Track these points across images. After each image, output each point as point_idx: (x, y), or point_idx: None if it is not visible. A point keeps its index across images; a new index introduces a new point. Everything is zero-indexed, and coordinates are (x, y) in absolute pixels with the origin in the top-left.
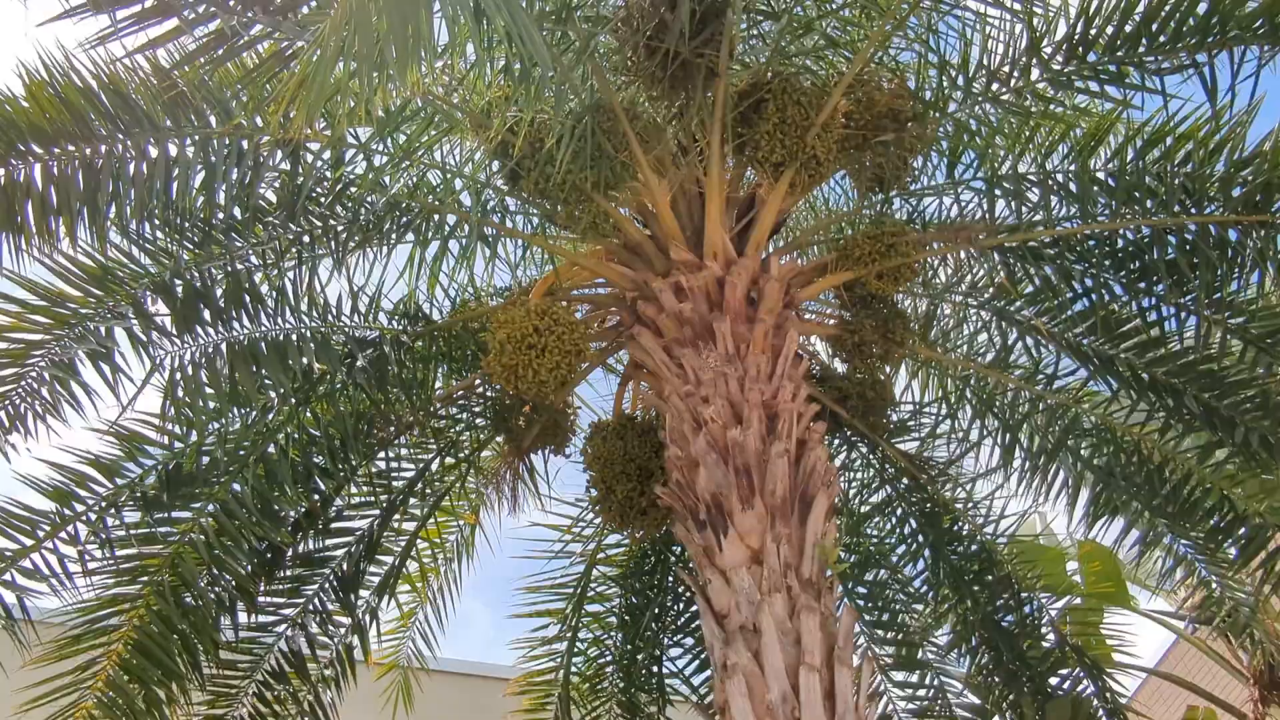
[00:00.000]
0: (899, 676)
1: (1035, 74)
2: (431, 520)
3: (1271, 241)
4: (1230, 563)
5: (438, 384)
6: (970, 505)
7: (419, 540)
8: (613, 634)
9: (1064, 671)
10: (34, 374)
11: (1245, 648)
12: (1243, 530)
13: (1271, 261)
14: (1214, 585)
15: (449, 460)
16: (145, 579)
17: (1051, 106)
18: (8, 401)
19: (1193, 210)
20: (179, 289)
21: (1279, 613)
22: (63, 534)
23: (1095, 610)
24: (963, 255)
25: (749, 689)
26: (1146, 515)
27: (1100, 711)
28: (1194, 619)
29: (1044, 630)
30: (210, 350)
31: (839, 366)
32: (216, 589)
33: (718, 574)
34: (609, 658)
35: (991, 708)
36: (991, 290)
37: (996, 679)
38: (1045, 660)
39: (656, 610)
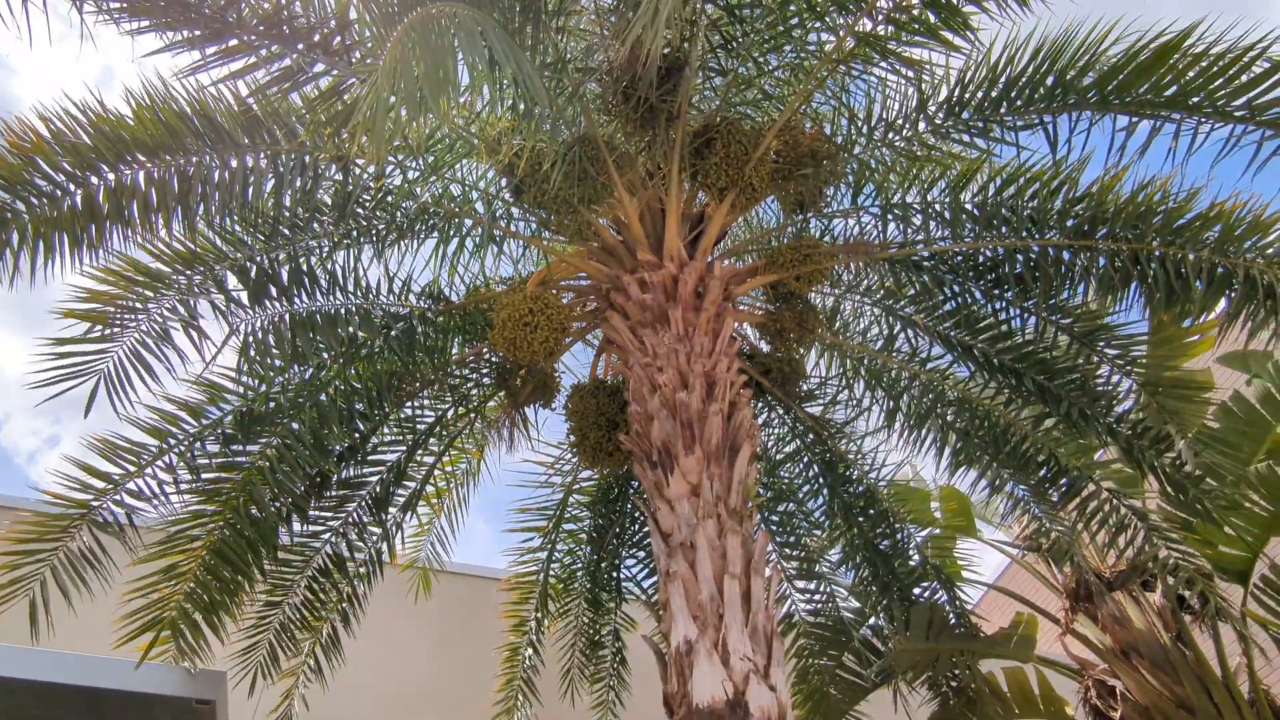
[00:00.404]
0: (800, 584)
1: (922, 126)
2: (446, 455)
3: (1094, 261)
4: (1054, 504)
5: (454, 351)
6: (860, 456)
7: (436, 470)
8: (583, 547)
9: (924, 584)
10: (138, 336)
11: (1062, 570)
12: (1064, 480)
13: (1094, 276)
14: (1041, 521)
15: (461, 410)
16: (222, 498)
17: (933, 152)
18: (119, 356)
19: (1036, 235)
20: (252, 271)
21: (1088, 542)
22: (159, 463)
23: (950, 539)
24: (861, 265)
25: (685, 591)
26: (993, 467)
27: (950, 614)
28: (1025, 546)
29: (911, 553)
30: (276, 320)
31: (764, 347)
32: (277, 505)
33: (665, 503)
34: (579, 565)
35: (869, 610)
36: (882, 292)
37: (874, 589)
38: (911, 575)
39: (617, 530)
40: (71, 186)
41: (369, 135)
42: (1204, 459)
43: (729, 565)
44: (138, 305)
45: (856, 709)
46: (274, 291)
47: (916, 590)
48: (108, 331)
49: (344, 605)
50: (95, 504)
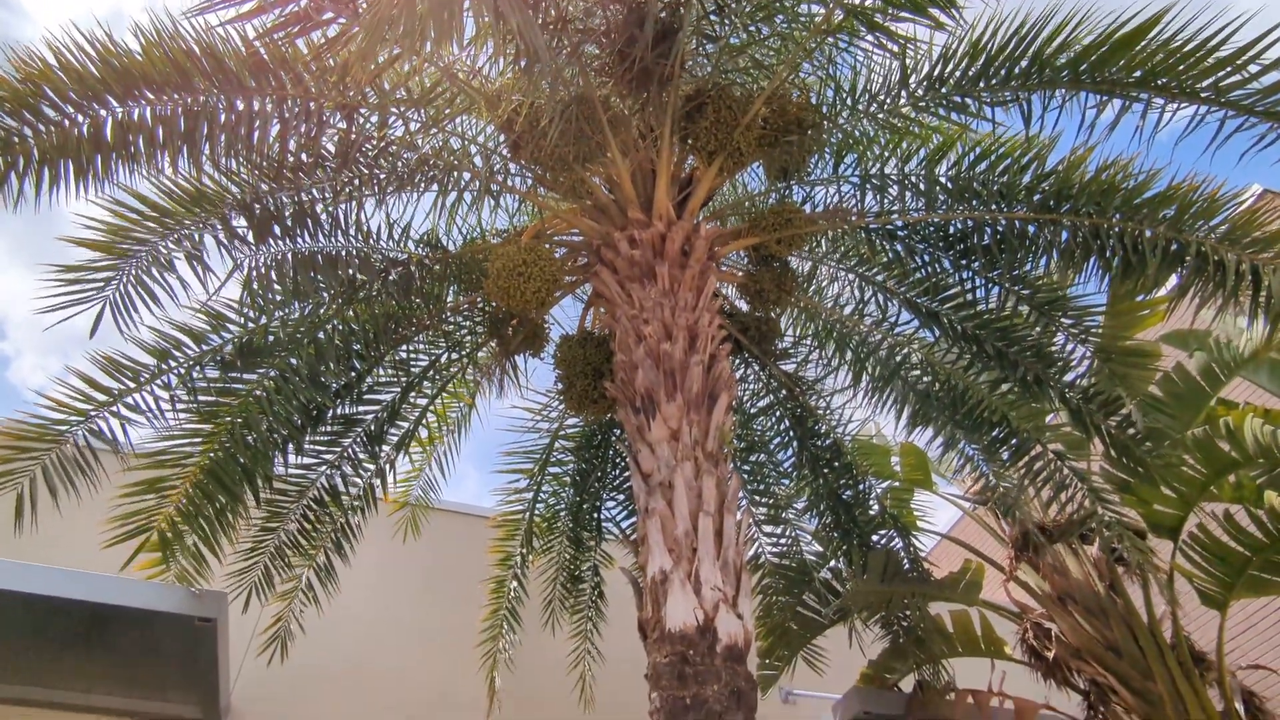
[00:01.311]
0: (768, 529)
1: (903, 99)
2: (439, 399)
3: (1058, 235)
4: (1003, 463)
5: (449, 298)
6: (828, 412)
7: (429, 413)
8: (566, 489)
9: (882, 532)
10: (143, 266)
11: (1008, 521)
12: (1014, 441)
13: (1056, 249)
14: (991, 478)
15: (454, 355)
16: (218, 422)
17: (912, 125)
18: (123, 284)
19: (1005, 209)
20: (257, 210)
21: (1033, 498)
22: (159, 381)
23: (908, 491)
24: (839, 231)
25: (662, 526)
26: (949, 427)
27: (904, 560)
28: (975, 500)
29: (871, 503)
30: (279, 257)
31: (744, 306)
32: (274, 435)
33: (646, 446)
34: (563, 506)
35: (830, 554)
36: (857, 259)
37: (835, 534)
38: (870, 523)
39: (599, 474)
40: (79, 116)
41: (370, 84)
42: (1149, 422)
43: (704, 504)
44: (144, 237)
45: (814, 643)
46: (278, 231)
47: (875, 537)
48: (114, 261)
49: (338, 535)
50: (94, 414)
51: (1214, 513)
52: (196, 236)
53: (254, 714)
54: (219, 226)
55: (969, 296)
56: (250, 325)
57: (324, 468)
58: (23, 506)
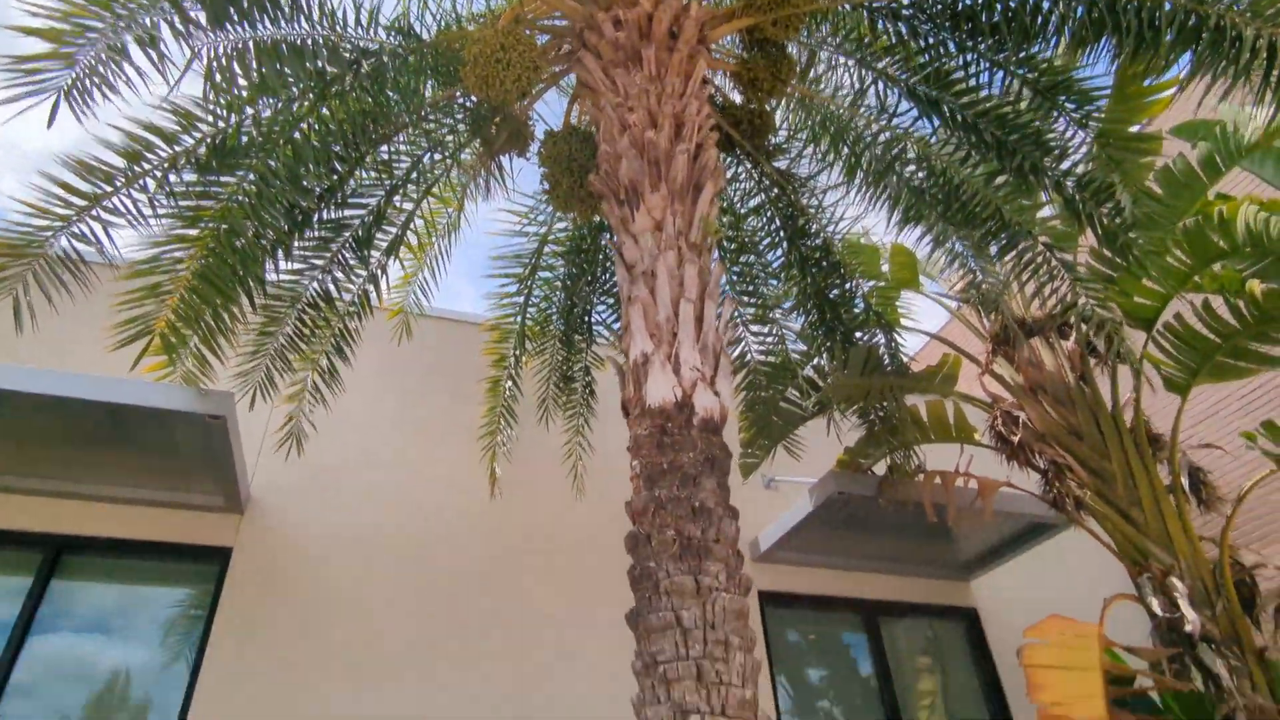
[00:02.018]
0: (755, 329)
1: None
2: (425, 202)
3: (1071, 10)
4: (991, 258)
5: (427, 94)
6: (819, 210)
7: (417, 218)
8: (557, 293)
9: (866, 330)
10: (96, 53)
11: (989, 319)
12: (1004, 234)
13: (1069, 26)
14: (977, 273)
15: (437, 157)
16: (202, 226)
17: None
18: (74, 74)
19: None
20: None
21: (1016, 293)
22: (135, 185)
23: (894, 290)
24: (840, 9)
25: (644, 313)
26: (940, 224)
27: (885, 355)
28: (959, 298)
29: (857, 302)
30: (240, 45)
31: (737, 99)
32: (261, 240)
33: (630, 237)
34: (554, 310)
35: (813, 351)
36: (856, 43)
37: (820, 332)
38: (855, 321)
39: (589, 278)
40: None
41: None
42: (1141, 208)
43: (685, 291)
44: (95, 25)
45: (795, 434)
46: (234, 14)
47: (858, 334)
48: (65, 50)
49: (337, 340)
50: (75, 219)
51: (1193, 303)
52: (148, 20)
53: (272, 502)
54: (171, 10)
55: (971, 82)
56: (221, 125)
57: (316, 273)
58: (20, 311)
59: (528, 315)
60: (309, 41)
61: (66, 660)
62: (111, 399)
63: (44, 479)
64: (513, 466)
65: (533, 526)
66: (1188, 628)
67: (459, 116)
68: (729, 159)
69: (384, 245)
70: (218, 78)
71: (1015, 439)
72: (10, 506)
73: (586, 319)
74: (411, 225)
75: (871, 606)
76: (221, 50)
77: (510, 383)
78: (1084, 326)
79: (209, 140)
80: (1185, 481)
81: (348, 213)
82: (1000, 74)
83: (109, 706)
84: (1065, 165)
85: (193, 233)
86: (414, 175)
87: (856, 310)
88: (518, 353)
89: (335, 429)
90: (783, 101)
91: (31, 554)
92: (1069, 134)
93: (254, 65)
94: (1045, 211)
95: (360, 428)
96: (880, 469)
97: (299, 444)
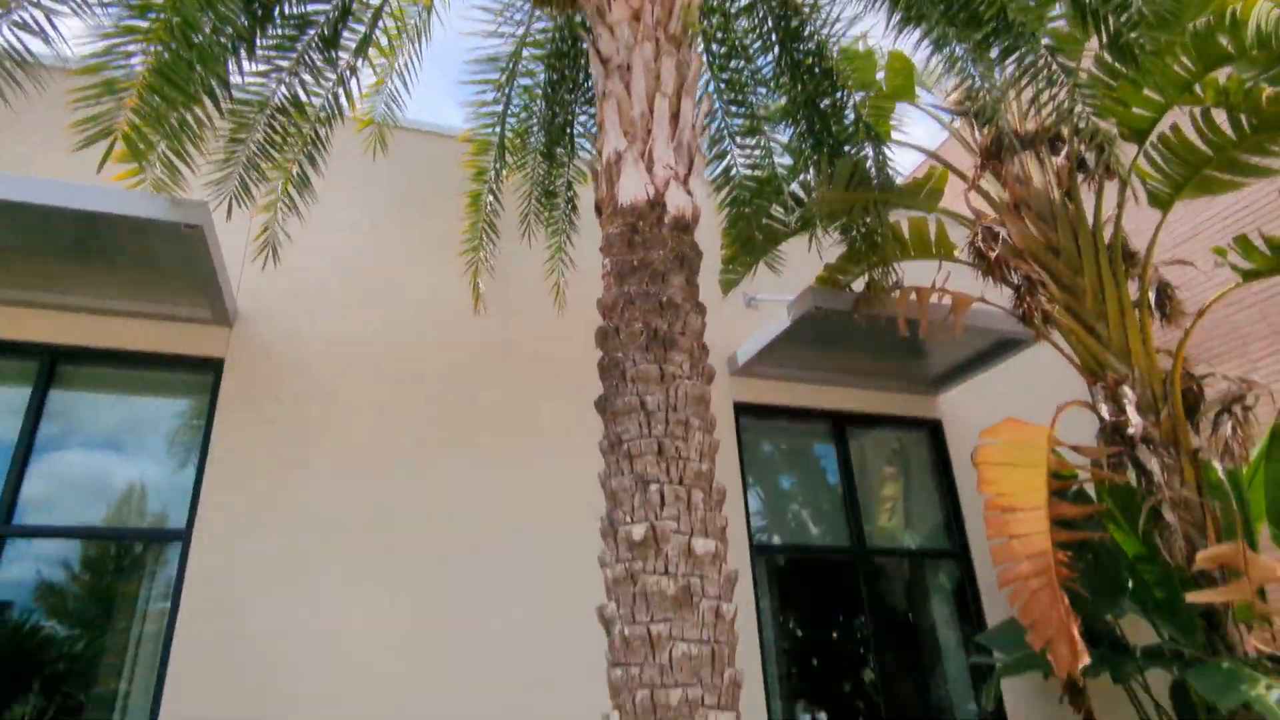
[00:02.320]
0: (741, 141)
1: None
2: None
3: None
4: (991, 61)
5: None
6: (815, 8)
7: (387, 19)
8: (538, 102)
9: (855, 144)
10: None
11: (983, 132)
12: (1007, 36)
13: None
14: (974, 79)
15: None
16: (152, 15)
17: None
18: None
19: None
20: None
21: (1013, 101)
22: None
23: (888, 100)
24: None
25: (619, 108)
26: (941, 25)
27: (873, 170)
28: (954, 111)
29: (848, 113)
30: None
31: None
32: (220, 37)
33: (606, 29)
34: (535, 121)
35: (800, 166)
36: None
37: (808, 145)
38: (844, 133)
39: (570, 84)
40: None
41: None
42: (1151, 5)
43: (662, 85)
44: None
45: (776, 251)
46: None
47: (847, 148)
48: None
49: (309, 149)
50: (14, 4)
51: (1193, 114)
52: None
53: (260, 314)
54: None
55: None
56: None
57: (283, 74)
58: None
59: (507, 126)
60: None
61: (78, 471)
62: (83, 206)
63: (27, 290)
64: (496, 282)
65: (514, 340)
66: (1130, 430)
67: None
68: None
69: (352, 45)
70: None
71: (993, 254)
72: (1, 317)
73: (569, 130)
74: (381, 24)
75: (841, 417)
76: None
77: (491, 197)
78: (1076, 140)
79: None
80: (1152, 296)
81: (312, 8)
82: None
83: (122, 515)
84: None
85: (143, 24)
86: None
87: (847, 122)
88: (498, 166)
89: (320, 244)
90: None
91: (27, 363)
92: None
93: None
94: (1053, 11)
95: (345, 243)
96: (859, 286)
97: (275, 253)
